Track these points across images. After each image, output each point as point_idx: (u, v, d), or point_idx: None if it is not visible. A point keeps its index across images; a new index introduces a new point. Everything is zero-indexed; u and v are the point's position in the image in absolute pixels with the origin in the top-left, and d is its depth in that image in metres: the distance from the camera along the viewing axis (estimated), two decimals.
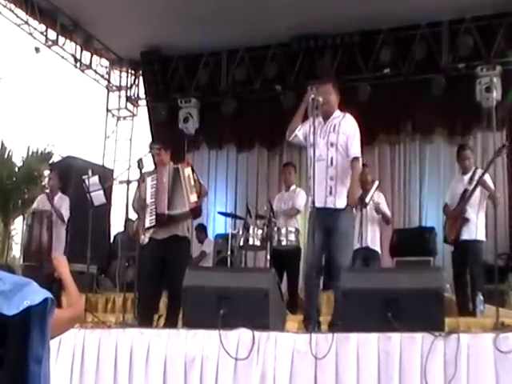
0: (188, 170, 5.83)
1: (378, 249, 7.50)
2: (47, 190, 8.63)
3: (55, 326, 1.89)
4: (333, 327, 4.82)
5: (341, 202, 5.04)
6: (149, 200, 5.82)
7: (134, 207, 6.10)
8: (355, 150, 5.15)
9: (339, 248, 5.02)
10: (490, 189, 6.49)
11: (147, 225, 5.81)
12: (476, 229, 6.56)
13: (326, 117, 5.21)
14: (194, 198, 5.74)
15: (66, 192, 8.46)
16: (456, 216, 6.72)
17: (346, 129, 5.16)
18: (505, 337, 3.83)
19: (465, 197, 6.65)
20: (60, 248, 8.04)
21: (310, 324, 4.69)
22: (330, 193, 5.02)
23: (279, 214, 7.50)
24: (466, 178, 6.77)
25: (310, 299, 4.97)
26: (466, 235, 6.63)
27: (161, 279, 5.81)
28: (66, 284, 2.55)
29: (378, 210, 7.38)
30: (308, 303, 5.05)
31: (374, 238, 7.41)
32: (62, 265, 2.64)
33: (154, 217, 5.78)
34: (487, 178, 6.58)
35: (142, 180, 5.95)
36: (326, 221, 4.92)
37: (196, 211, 5.92)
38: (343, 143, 5.12)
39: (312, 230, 5.07)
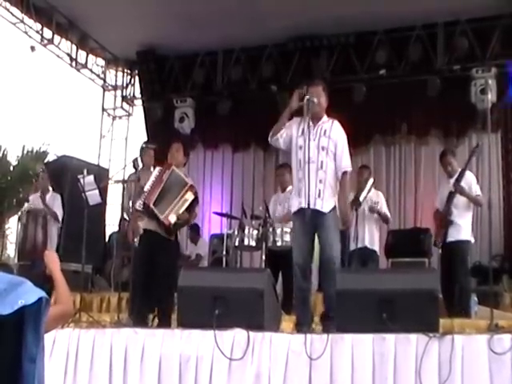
0: (190, 197, 5.77)
1: (376, 248, 7.49)
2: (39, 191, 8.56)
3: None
4: (326, 318, 4.84)
5: (327, 206, 5.07)
6: (147, 186, 5.82)
7: (126, 202, 6.08)
8: (346, 162, 5.19)
9: (327, 241, 5.02)
10: (468, 196, 6.67)
11: (137, 207, 5.85)
12: (461, 230, 6.68)
13: (316, 119, 5.18)
14: (172, 218, 5.68)
15: (58, 191, 8.42)
16: (442, 218, 6.84)
17: (337, 137, 5.17)
18: (499, 338, 3.84)
19: (450, 199, 6.74)
20: (52, 246, 8.01)
21: (303, 328, 4.69)
22: (319, 195, 5.04)
23: (275, 218, 7.44)
24: (452, 180, 6.87)
25: (302, 305, 4.99)
26: (452, 237, 6.73)
27: (153, 278, 5.80)
28: (55, 280, 2.52)
29: (372, 209, 7.35)
30: (300, 309, 5.06)
31: (371, 237, 7.40)
32: (52, 260, 2.63)
33: (142, 202, 5.81)
34: (471, 178, 6.77)
35: (137, 179, 5.94)
36: (312, 223, 4.93)
37: (167, 228, 5.78)
38: (333, 149, 5.14)
39: (299, 232, 5.11)
